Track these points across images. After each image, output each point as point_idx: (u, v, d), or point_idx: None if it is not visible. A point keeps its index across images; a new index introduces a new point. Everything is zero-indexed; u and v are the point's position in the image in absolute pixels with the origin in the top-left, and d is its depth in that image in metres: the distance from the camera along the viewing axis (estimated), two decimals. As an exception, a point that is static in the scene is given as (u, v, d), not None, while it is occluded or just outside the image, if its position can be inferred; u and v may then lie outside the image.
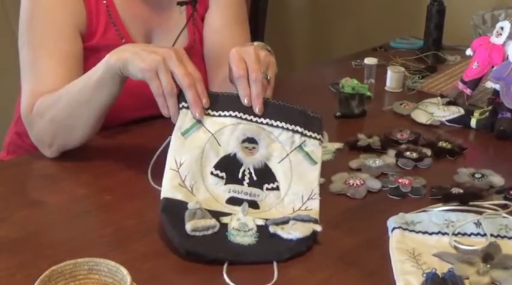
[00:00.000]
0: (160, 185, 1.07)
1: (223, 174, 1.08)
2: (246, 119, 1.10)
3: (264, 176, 1.08)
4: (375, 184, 1.18)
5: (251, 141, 1.09)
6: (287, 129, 1.10)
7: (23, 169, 1.27)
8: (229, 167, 1.08)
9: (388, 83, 1.62)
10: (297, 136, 1.10)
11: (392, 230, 1.04)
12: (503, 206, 1.10)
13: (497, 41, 1.44)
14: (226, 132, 1.09)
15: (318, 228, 1.01)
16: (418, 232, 1.03)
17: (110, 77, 1.12)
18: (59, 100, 1.20)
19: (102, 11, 1.33)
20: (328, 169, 1.21)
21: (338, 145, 1.31)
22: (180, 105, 1.08)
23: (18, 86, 1.38)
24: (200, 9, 1.43)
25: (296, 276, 0.97)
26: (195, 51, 1.43)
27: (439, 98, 1.51)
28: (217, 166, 1.08)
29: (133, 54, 1.08)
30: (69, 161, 1.24)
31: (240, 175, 1.08)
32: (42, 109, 1.23)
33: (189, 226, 0.99)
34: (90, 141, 1.26)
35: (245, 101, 1.08)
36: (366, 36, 2.35)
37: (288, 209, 1.07)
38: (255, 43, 1.21)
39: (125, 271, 0.86)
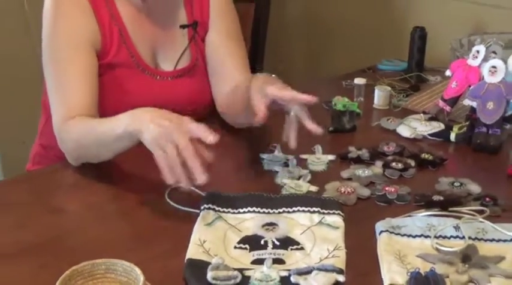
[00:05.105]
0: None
1: (247, 245, 1.02)
2: (264, 212, 1.09)
3: (287, 242, 1.02)
4: (364, 192, 1.18)
5: (271, 224, 1.06)
6: (303, 211, 1.08)
7: (46, 179, 1.27)
8: (252, 241, 1.03)
9: (375, 101, 1.62)
10: (315, 215, 1.07)
11: (380, 234, 1.04)
12: (480, 212, 1.10)
13: (474, 63, 1.45)
14: (246, 223, 1.07)
15: (341, 278, 0.93)
16: (403, 235, 1.04)
17: (128, 138, 1.15)
18: (88, 134, 1.22)
19: (115, 33, 1.35)
20: (321, 179, 1.22)
21: (331, 157, 1.31)
22: (202, 207, 1.08)
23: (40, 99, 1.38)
24: (201, 31, 1.45)
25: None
26: (198, 68, 1.45)
27: (421, 114, 1.51)
28: (240, 242, 1.03)
29: (146, 127, 1.09)
30: (88, 172, 1.25)
31: (262, 243, 1.02)
32: (73, 133, 1.25)
33: (210, 274, 0.92)
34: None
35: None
36: (355, 59, 2.36)
37: (314, 260, 0.98)
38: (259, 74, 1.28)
39: (138, 271, 0.86)
